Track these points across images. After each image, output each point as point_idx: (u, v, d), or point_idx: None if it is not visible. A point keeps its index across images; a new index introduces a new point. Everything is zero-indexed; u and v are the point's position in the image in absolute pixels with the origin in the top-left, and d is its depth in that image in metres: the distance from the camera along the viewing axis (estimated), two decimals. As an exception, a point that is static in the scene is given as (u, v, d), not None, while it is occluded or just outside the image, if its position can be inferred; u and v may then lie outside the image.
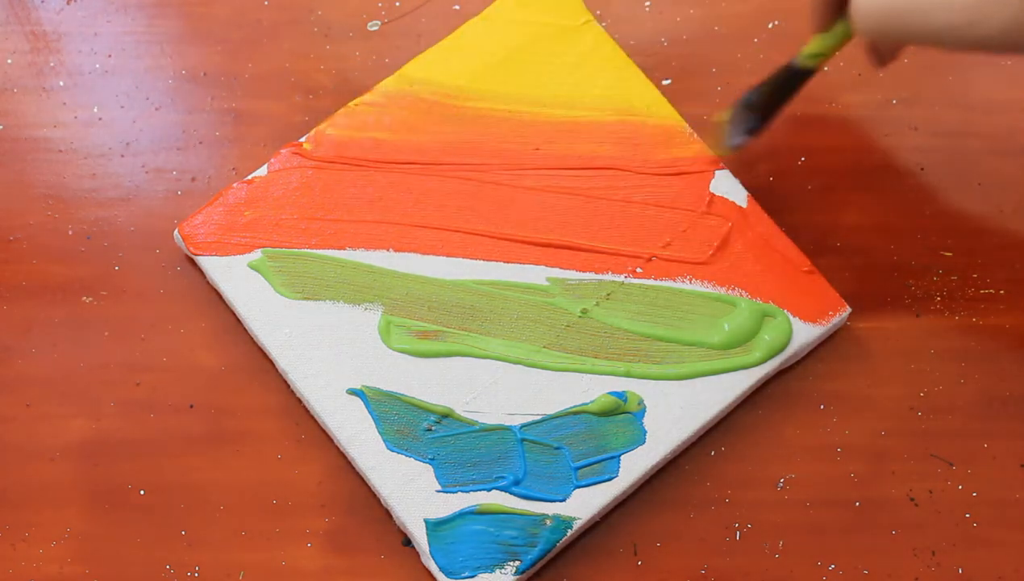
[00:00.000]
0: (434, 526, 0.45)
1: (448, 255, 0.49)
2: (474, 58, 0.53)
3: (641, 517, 0.47)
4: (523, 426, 0.46)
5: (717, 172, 0.51)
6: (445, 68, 0.53)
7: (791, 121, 0.54)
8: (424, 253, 0.49)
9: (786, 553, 0.46)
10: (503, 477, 0.45)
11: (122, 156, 0.53)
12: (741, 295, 0.49)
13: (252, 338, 0.49)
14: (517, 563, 0.44)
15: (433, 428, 0.46)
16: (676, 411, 0.46)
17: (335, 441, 0.47)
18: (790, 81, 0.47)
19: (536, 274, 0.49)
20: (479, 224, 0.50)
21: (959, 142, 0.54)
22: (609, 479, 0.45)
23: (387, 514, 0.46)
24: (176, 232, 0.50)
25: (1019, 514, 0.47)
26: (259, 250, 0.49)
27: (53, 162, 0.53)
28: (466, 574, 0.44)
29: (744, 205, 0.50)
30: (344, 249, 0.49)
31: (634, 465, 0.46)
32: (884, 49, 0.46)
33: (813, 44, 0.45)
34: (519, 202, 0.50)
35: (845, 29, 0.44)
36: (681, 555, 0.46)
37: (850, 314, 0.49)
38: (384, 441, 0.46)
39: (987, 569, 0.46)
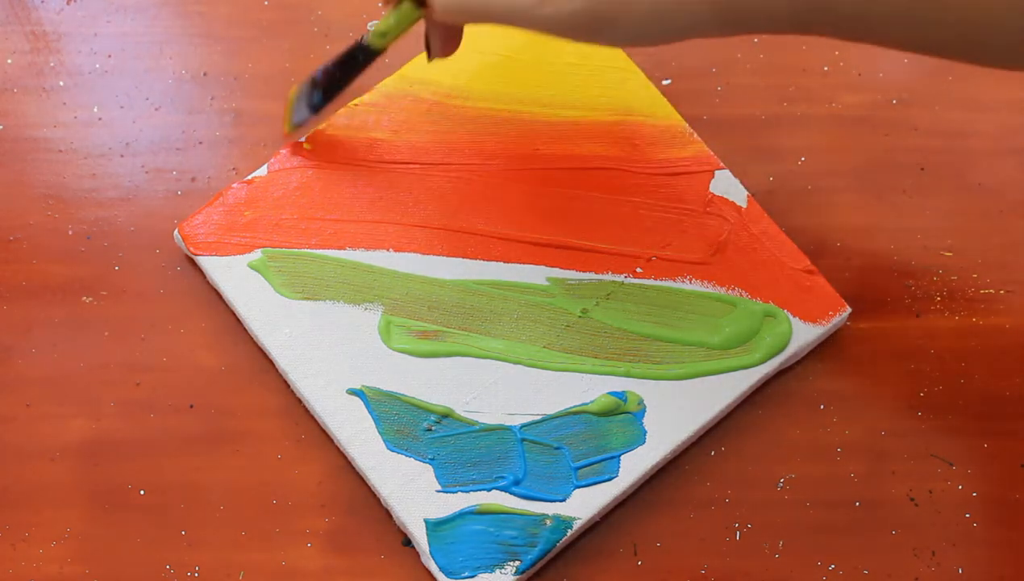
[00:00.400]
0: (434, 526, 0.45)
1: (448, 255, 0.49)
2: (474, 58, 0.53)
3: (641, 517, 0.47)
4: (523, 426, 0.46)
5: (717, 172, 0.51)
6: (445, 68, 0.53)
7: (791, 121, 0.54)
8: (424, 253, 0.49)
9: (786, 553, 0.46)
10: (503, 477, 0.45)
11: (122, 156, 0.53)
12: (741, 295, 0.49)
13: (252, 338, 0.49)
14: (517, 563, 0.44)
15: (433, 428, 0.46)
16: (676, 411, 0.46)
17: (335, 441, 0.47)
18: (356, 58, 0.47)
19: (536, 274, 0.49)
20: (479, 224, 0.50)
21: (959, 142, 0.54)
22: (609, 479, 0.45)
23: (387, 514, 0.46)
24: (176, 232, 0.50)
25: (1019, 514, 0.47)
26: (259, 250, 0.49)
27: (53, 162, 0.53)
28: (466, 574, 0.44)
29: (744, 205, 0.50)
30: (344, 249, 0.49)
31: (634, 465, 0.46)
32: (444, 39, 0.45)
33: (382, 22, 0.45)
34: (519, 202, 0.50)
35: (411, 8, 0.44)
36: (681, 555, 0.46)
37: (850, 314, 0.49)
38: (384, 441, 0.46)
39: (987, 569, 0.46)
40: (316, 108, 0.49)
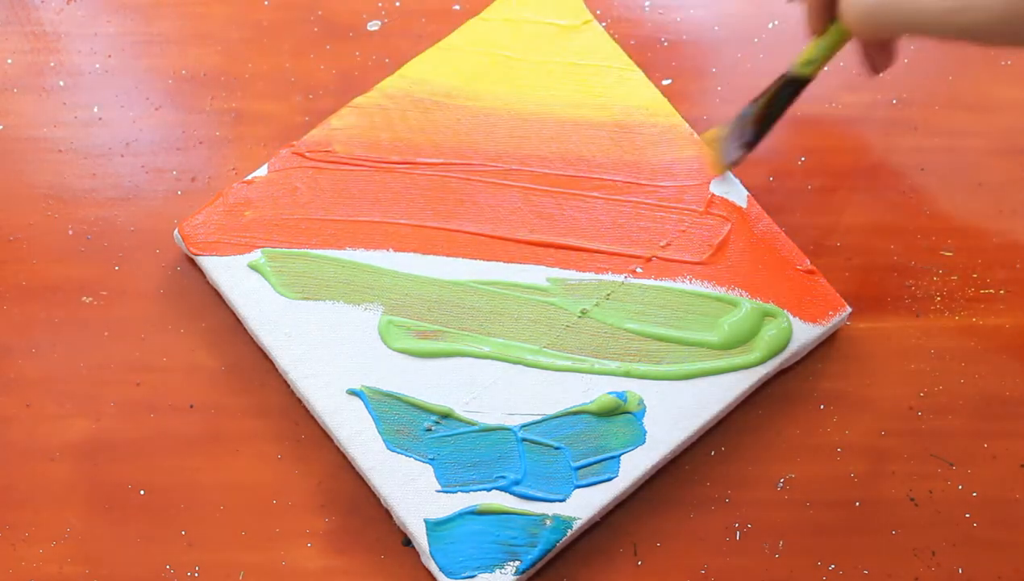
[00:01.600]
0: (434, 526, 0.45)
1: (448, 255, 0.49)
2: (474, 58, 0.53)
3: (641, 517, 0.47)
4: (523, 426, 0.46)
5: (717, 172, 0.51)
6: (445, 68, 0.53)
7: (791, 121, 0.54)
8: (424, 253, 0.49)
9: (786, 553, 0.46)
10: (503, 477, 0.45)
11: (122, 156, 0.53)
12: (741, 295, 0.49)
13: (252, 338, 0.49)
14: (517, 563, 0.44)
15: (433, 428, 0.46)
16: (676, 411, 0.46)
17: (335, 441, 0.47)
18: (787, 90, 0.47)
19: (536, 274, 0.49)
20: (479, 224, 0.50)
21: (959, 142, 0.54)
22: (609, 479, 0.45)
23: (387, 514, 0.46)
24: (176, 232, 0.50)
25: (1019, 514, 0.47)
26: (259, 250, 0.49)
27: (53, 162, 0.53)
28: (466, 574, 0.44)
29: (744, 205, 0.50)
30: (344, 249, 0.49)
31: (634, 465, 0.46)
32: (878, 54, 0.45)
33: (807, 51, 0.45)
34: (519, 202, 0.50)
35: (839, 31, 0.43)
36: (681, 555, 0.46)
37: (850, 314, 0.49)
38: (384, 441, 0.46)
39: (987, 569, 0.46)
40: (751, 146, 0.49)
